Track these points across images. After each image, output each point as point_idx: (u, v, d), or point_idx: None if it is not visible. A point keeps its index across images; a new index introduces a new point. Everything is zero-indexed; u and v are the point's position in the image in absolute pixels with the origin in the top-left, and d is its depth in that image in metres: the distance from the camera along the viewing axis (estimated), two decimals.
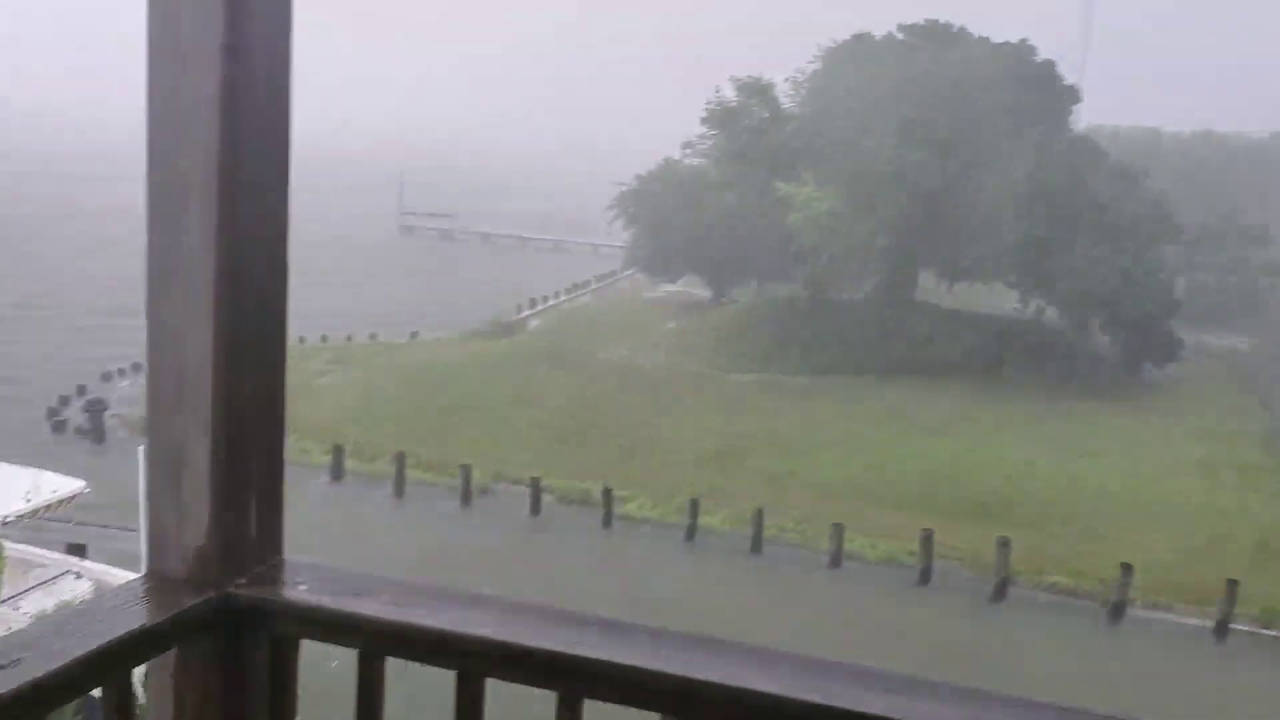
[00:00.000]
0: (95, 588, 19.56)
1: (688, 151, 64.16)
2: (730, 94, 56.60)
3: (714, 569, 29.10)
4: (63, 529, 24.87)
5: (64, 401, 40.32)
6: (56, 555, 23.27)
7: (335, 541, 28.62)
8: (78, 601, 10.50)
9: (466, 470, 33.17)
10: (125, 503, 24.89)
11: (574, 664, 1.74)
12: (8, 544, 21.62)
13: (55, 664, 1.64)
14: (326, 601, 1.89)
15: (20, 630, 1.81)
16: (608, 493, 31.68)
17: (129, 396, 42.36)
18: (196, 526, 1.91)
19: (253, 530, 1.96)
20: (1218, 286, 71.96)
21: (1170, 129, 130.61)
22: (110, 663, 1.75)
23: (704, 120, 57.60)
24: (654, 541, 30.50)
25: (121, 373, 45.18)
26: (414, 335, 56.61)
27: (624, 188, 72.65)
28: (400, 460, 33.80)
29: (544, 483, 33.04)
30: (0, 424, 31.37)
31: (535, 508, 32.13)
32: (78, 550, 24.24)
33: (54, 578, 20.34)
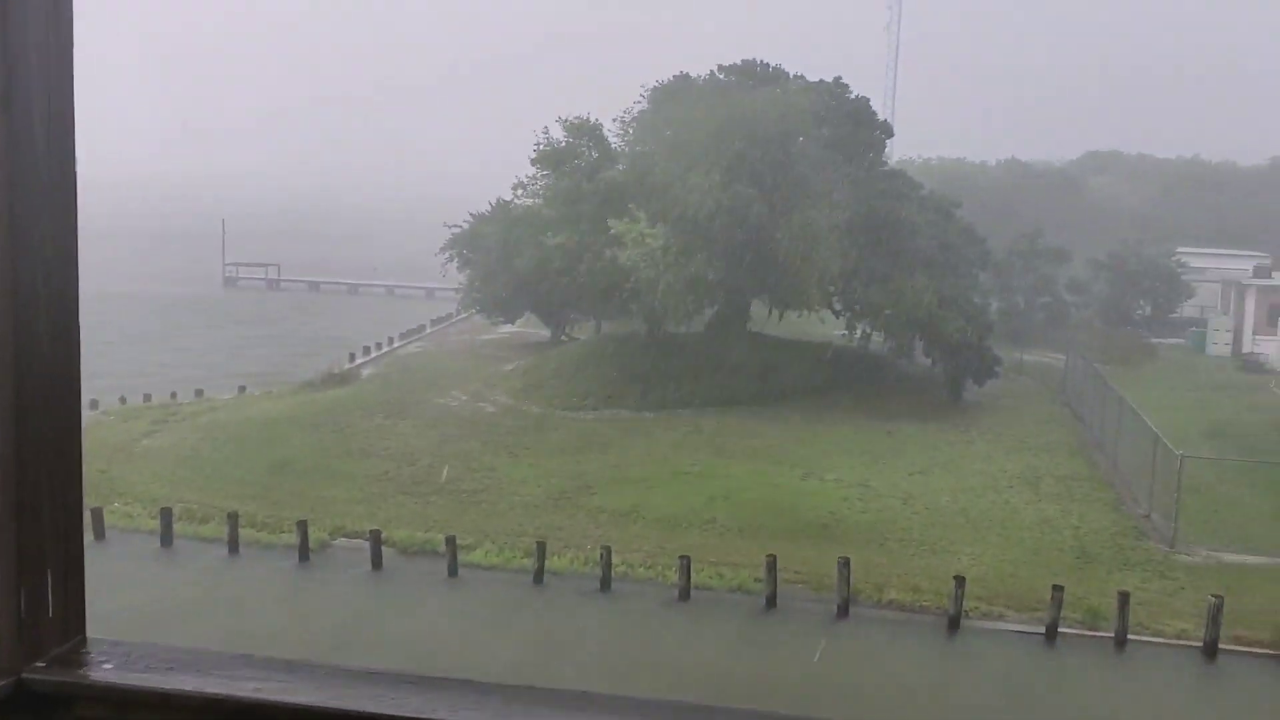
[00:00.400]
0: None
1: (520, 192, 64.26)
2: (559, 134, 57.02)
3: (563, 610, 28.93)
4: None
5: None
6: None
7: (164, 610, 27.37)
8: None
9: (303, 526, 32.16)
10: None
11: None
12: None
13: None
14: (134, 680, 1.80)
15: None
16: (451, 541, 31.16)
17: None
18: None
19: (50, 609, 1.85)
20: (1027, 305, 76.06)
21: (976, 159, 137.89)
22: None
23: (534, 161, 57.82)
24: (502, 587, 30.14)
25: None
26: (242, 390, 54.79)
27: (456, 229, 72.28)
28: (233, 520, 32.54)
29: (385, 535, 32.29)
30: None
31: (377, 561, 31.34)
32: None
33: None
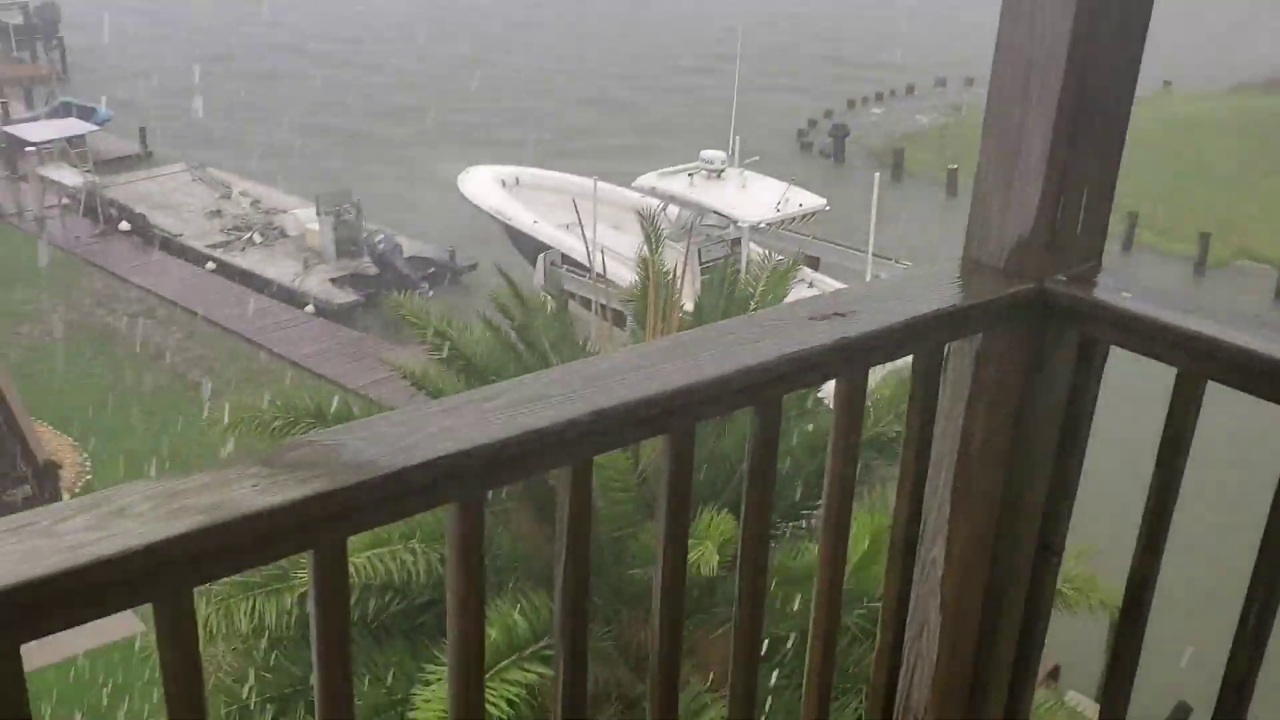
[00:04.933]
0: None
1: None
2: None
3: None
4: (799, 241, 27.08)
5: (812, 124, 43.32)
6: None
7: None
8: None
9: (1205, 239, 30.36)
10: (853, 224, 26.45)
11: None
12: (752, 246, 24.19)
13: (878, 323, 1.73)
14: (1149, 310, 1.78)
15: (851, 289, 1.94)
16: None
17: (873, 124, 44.33)
18: (1022, 216, 1.87)
19: (1078, 227, 1.88)
20: None
21: None
22: (923, 333, 1.81)
23: None
24: None
25: (865, 101, 47.25)
26: (1167, 85, 51.53)
27: None
28: (1132, 219, 31.81)
29: None
30: (761, 138, 34.47)
31: None
32: (812, 263, 26.28)
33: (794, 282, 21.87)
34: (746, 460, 1.65)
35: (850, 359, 1.70)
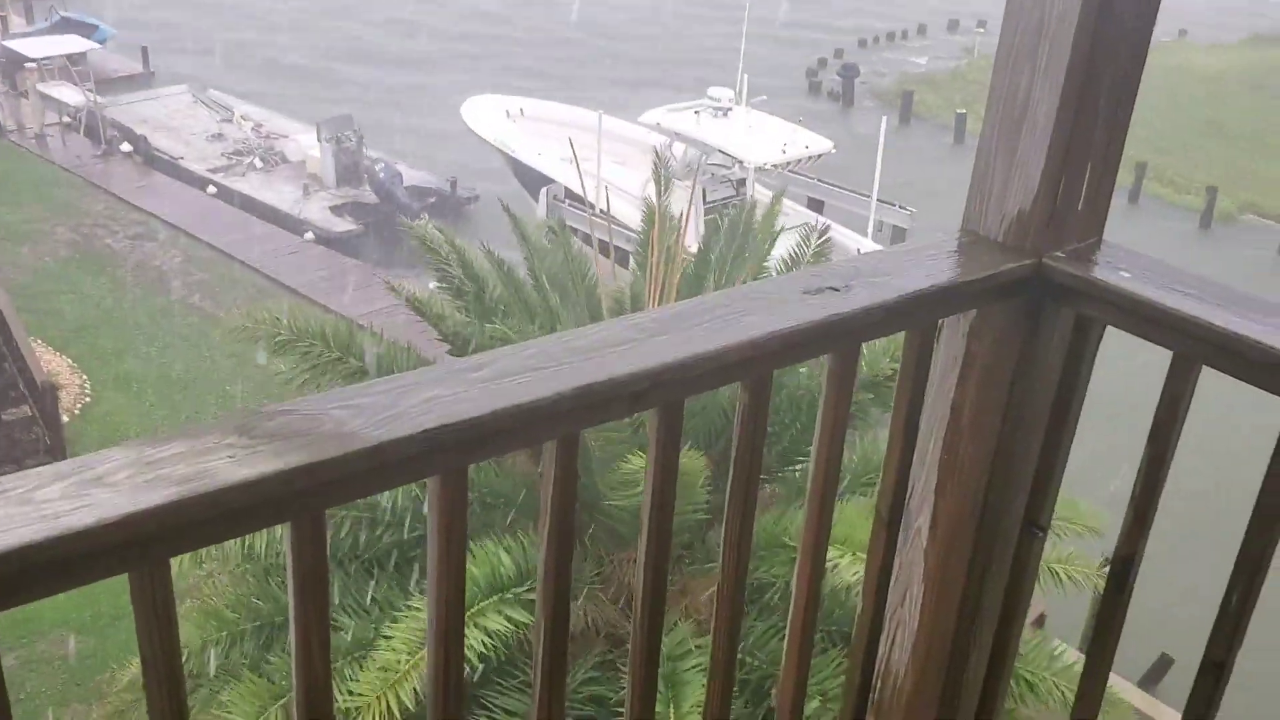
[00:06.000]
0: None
1: None
2: None
3: None
4: (805, 184, 26.87)
5: (822, 64, 42.74)
6: (799, 207, 25.33)
7: None
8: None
9: (1212, 193, 30.14)
10: (859, 168, 26.23)
11: None
12: (757, 188, 23.98)
13: (872, 299, 1.70)
14: (1147, 292, 1.75)
15: (850, 260, 1.90)
16: None
17: (883, 66, 43.77)
18: (1023, 189, 1.83)
19: (1080, 203, 1.85)
20: None
21: None
22: (917, 309, 1.78)
23: None
24: None
25: (876, 41, 46.60)
26: (1182, 34, 50.92)
27: None
28: (1140, 170, 31.55)
29: None
30: (771, 79, 33.99)
31: None
32: (816, 206, 26.14)
33: (792, 227, 21.79)
34: (735, 433, 1.64)
35: (842, 336, 1.68)
